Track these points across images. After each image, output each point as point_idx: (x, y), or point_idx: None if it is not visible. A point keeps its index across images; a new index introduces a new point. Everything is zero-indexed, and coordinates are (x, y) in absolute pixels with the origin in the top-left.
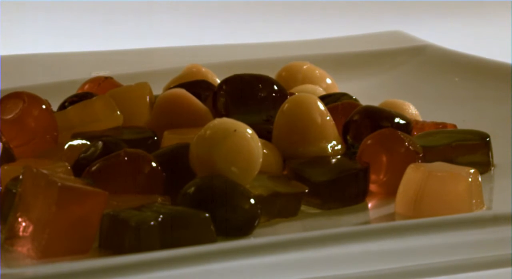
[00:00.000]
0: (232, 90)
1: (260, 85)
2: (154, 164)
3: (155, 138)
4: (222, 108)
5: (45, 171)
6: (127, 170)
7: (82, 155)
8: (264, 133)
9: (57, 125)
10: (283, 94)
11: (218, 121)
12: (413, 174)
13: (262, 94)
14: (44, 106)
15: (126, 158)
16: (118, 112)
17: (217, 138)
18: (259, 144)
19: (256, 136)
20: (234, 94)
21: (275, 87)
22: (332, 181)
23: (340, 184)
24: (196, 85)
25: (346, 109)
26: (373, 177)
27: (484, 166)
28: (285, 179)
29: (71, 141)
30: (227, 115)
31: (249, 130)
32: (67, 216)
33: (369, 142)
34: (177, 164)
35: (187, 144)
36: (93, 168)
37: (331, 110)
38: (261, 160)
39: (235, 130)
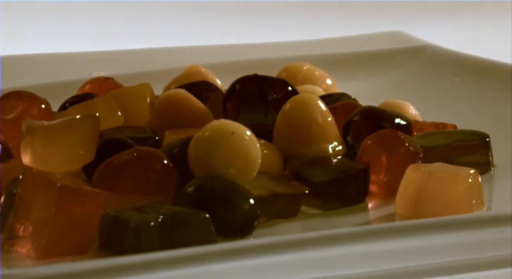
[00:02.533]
0: (244, 91)
1: (273, 87)
2: (166, 162)
3: (156, 138)
4: (233, 108)
5: (44, 172)
6: (138, 168)
7: None
8: (265, 133)
9: None
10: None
11: (216, 123)
12: (413, 175)
13: (275, 97)
14: (43, 106)
15: (137, 156)
16: (119, 113)
17: (215, 140)
18: (258, 145)
19: (254, 138)
20: (246, 95)
21: (289, 90)
22: (332, 181)
23: (340, 184)
24: (197, 86)
25: (346, 110)
26: (373, 177)
27: (484, 166)
28: (285, 180)
29: None
30: (238, 116)
31: (248, 132)
32: (66, 216)
33: (369, 142)
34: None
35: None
36: (104, 167)
37: (331, 110)
38: (259, 161)
39: (233, 133)
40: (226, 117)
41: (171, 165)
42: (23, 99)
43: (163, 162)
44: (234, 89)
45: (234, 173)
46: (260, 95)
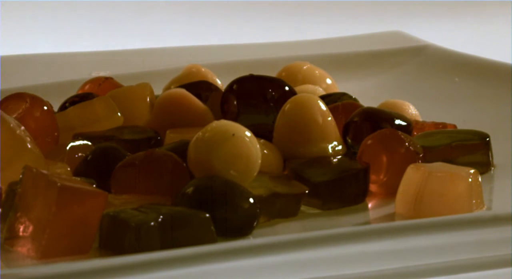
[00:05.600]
0: (242, 91)
1: (271, 87)
2: (179, 163)
3: (158, 138)
4: (231, 108)
5: (45, 171)
6: (153, 170)
7: (89, 157)
8: (265, 133)
9: (58, 127)
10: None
11: (216, 124)
12: (413, 174)
13: (273, 97)
14: (45, 108)
15: (151, 159)
16: (119, 114)
17: (216, 141)
18: (258, 146)
19: (254, 139)
20: (244, 95)
21: (286, 89)
22: (332, 181)
23: (340, 184)
24: (197, 85)
25: (346, 110)
26: (373, 177)
27: (484, 166)
28: (285, 179)
29: (73, 141)
30: (236, 116)
31: (248, 133)
32: (67, 216)
33: (369, 142)
34: None
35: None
36: (119, 171)
37: (332, 110)
38: (259, 162)
39: (233, 134)
40: (225, 118)
41: (184, 165)
42: (25, 101)
43: (176, 163)
44: (231, 90)
45: (234, 174)
46: (258, 94)
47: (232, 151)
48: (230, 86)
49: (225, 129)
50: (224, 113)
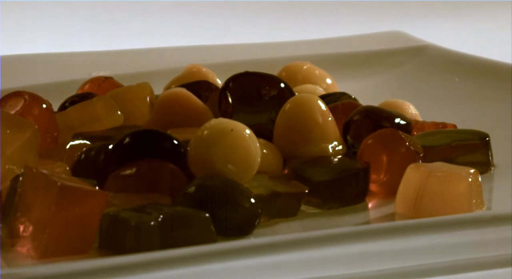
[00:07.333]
0: (238, 88)
1: (266, 84)
2: (175, 170)
3: None
4: (227, 106)
5: (45, 171)
6: (149, 180)
7: (83, 156)
8: (265, 133)
9: (58, 126)
10: (290, 94)
11: (215, 121)
12: (413, 174)
13: (268, 94)
14: (44, 106)
15: (147, 168)
16: (119, 112)
17: (214, 137)
18: (257, 143)
19: (254, 136)
20: (240, 92)
21: (282, 86)
22: (332, 181)
23: (340, 184)
24: (197, 85)
25: (346, 109)
26: (373, 176)
27: (484, 165)
28: (285, 179)
29: (73, 141)
30: (232, 114)
31: (247, 130)
32: (67, 216)
33: (369, 141)
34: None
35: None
36: (114, 179)
37: (332, 110)
38: (259, 159)
39: (232, 130)
40: (224, 117)
41: (180, 172)
42: (24, 98)
43: (173, 171)
44: (227, 87)
45: (232, 169)
46: (253, 90)
47: (231, 146)
48: (226, 83)
49: (223, 125)
50: (222, 112)
